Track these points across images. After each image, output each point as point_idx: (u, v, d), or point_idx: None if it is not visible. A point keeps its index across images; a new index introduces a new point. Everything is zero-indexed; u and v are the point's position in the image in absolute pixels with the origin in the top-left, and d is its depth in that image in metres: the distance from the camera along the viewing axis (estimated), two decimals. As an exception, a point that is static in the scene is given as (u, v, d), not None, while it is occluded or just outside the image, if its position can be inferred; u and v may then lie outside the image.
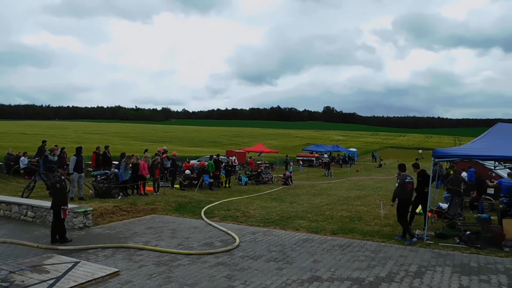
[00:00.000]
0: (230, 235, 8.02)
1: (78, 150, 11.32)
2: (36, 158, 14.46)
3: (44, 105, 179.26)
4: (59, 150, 13.36)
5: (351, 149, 50.52)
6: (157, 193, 13.33)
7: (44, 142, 15.56)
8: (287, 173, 20.74)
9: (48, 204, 7.89)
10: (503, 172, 11.55)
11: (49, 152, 12.61)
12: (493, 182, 12.08)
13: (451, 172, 13.47)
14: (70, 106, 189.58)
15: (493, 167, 11.71)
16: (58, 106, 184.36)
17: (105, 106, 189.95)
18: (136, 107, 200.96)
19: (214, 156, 17.89)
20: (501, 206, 9.00)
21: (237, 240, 7.48)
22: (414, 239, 7.59)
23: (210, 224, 9.15)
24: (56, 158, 12.12)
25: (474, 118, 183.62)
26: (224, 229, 8.48)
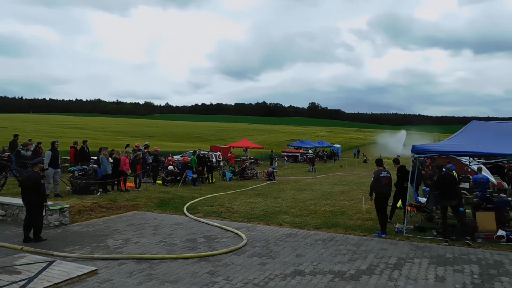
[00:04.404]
0: (236, 233, 7.71)
1: (53, 144, 10.91)
2: (8, 153, 13.84)
3: (17, 97, 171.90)
4: (34, 145, 12.81)
5: (335, 145, 51.29)
6: (139, 189, 13.07)
7: (16, 136, 14.86)
8: (270, 169, 20.83)
9: (19, 201, 7.56)
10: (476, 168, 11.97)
11: (21, 147, 12.06)
12: (469, 177, 12.53)
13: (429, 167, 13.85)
14: (46, 98, 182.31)
15: (468, 163, 12.12)
16: (32, 98, 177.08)
17: (84, 99, 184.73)
18: (117, 100, 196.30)
19: (197, 152, 17.71)
20: (474, 200, 9.35)
21: (244, 238, 7.27)
22: (383, 235, 7.73)
23: (197, 220, 9.06)
24: (30, 153, 11.60)
25: (452, 116, 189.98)
26: (224, 226, 8.32)
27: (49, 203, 8.01)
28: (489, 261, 6.24)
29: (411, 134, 68.11)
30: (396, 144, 49.51)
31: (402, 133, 66.34)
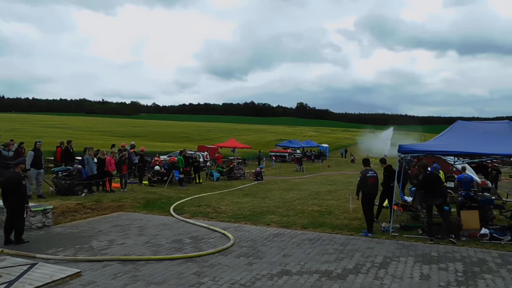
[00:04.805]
0: (223, 234, 7.63)
1: (36, 144, 10.60)
2: None
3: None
4: (16, 145, 12.40)
5: (323, 145, 51.77)
6: (125, 189, 12.84)
7: None
8: (258, 169, 20.83)
9: (0, 202, 7.30)
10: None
11: (3, 147, 11.66)
12: (454, 176, 12.83)
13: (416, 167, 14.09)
14: (30, 98, 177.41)
15: (453, 162, 12.39)
16: (15, 97, 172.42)
17: (68, 99, 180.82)
18: (102, 100, 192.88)
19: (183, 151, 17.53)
20: (459, 198, 9.56)
21: (232, 238, 7.21)
22: (370, 234, 7.82)
23: (184, 220, 8.94)
24: (11, 153, 11.22)
25: (438, 116, 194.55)
26: (211, 227, 8.23)
27: (31, 204, 7.79)
28: (473, 259, 6.37)
29: (398, 134, 69.45)
30: (382, 145, 50.16)
31: (389, 132, 67.31)
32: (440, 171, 10.96)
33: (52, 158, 15.31)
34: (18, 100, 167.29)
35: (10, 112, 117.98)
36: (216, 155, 28.05)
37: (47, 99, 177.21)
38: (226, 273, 5.52)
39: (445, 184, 10.18)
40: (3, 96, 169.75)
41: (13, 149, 11.60)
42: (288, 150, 41.21)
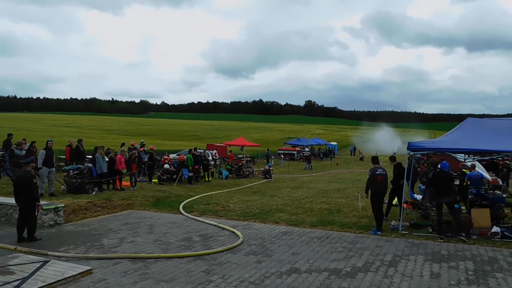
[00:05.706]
0: (232, 232, 7.68)
1: (47, 143, 10.81)
2: (1, 153, 13.69)
3: (11, 96, 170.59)
4: (28, 144, 12.68)
5: (331, 143, 51.44)
6: (134, 188, 13.00)
7: (9, 135, 14.70)
8: (266, 167, 20.84)
9: (13, 201, 7.47)
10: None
11: (15, 146, 11.93)
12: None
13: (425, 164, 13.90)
14: (41, 97, 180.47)
15: (463, 160, 12.18)
16: (27, 97, 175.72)
17: (79, 98, 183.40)
18: (112, 99, 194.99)
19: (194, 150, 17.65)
20: (469, 196, 9.41)
21: (240, 237, 7.26)
22: (379, 233, 7.76)
23: (193, 218, 9.02)
24: (23, 152, 11.48)
25: (447, 113, 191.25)
26: (220, 225, 8.30)
27: (43, 202, 7.98)
28: (484, 258, 6.28)
29: (405, 132, 68.40)
30: (377, 145, 49.35)
31: (386, 131, 66.63)
32: (468, 170, 10.68)
33: (64, 157, 15.60)
34: (30, 99, 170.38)
35: (22, 111, 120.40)
36: (228, 153, 28.16)
37: (58, 99, 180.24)
38: (235, 271, 5.55)
39: (468, 183, 9.98)
40: (15, 96, 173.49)
41: (25, 148, 11.87)
42: (297, 148, 41.08)
